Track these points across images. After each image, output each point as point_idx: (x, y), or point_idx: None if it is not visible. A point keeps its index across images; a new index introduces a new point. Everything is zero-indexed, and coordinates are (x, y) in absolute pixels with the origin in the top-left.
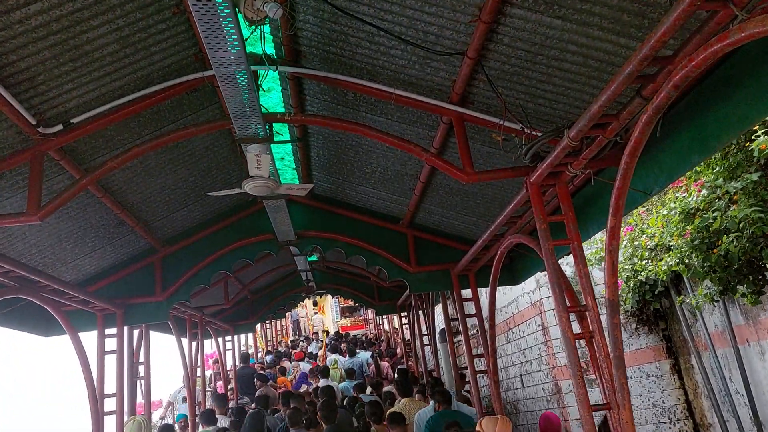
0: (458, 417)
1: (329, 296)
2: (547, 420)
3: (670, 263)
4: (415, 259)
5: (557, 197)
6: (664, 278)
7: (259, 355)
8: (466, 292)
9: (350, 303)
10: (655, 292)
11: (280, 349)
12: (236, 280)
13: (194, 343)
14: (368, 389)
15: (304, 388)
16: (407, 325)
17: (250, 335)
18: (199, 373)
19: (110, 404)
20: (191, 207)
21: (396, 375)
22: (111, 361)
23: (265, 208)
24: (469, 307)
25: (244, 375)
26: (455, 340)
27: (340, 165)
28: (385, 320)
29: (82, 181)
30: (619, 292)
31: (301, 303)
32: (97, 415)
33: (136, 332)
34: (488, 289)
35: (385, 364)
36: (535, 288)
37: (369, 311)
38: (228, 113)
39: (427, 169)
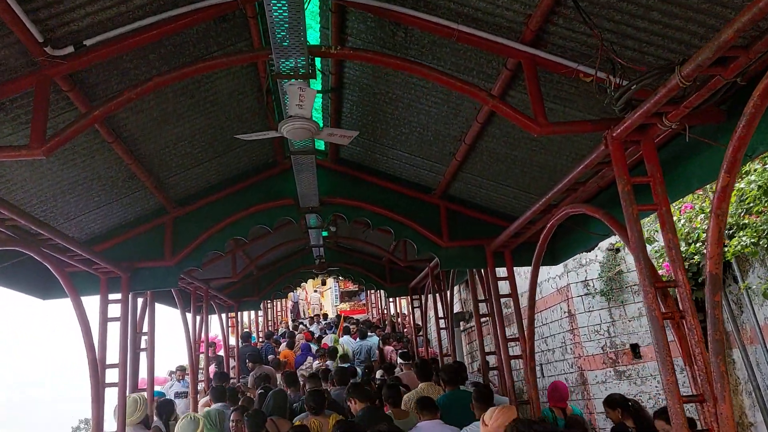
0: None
1: (329, 279)
2: (555, 388)
3: (745, 242)
4: (447, 233)
5: (639, 156)
6: (731, 259)
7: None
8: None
9: (350, 287)
10: (699, 281)
11: (281, 329)
12: (244, 254)
13: (198, 318)
14: (378, 372)
15: (309, 361)
16: (419, 308)
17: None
18: (203, 349)
19: (112, 376)
20: (207, 165)
21: (402, 359)
22: (114, 329)
23: (292, 166)
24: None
25: (245, 354)
26: (468, 325)
27: (374, 123)
28: (391, 304)
29: (95, 112)
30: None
31: (302, 285)
32: (98, 387)
33: (140, 301)
34: (521, 268)
35: (389, 349)
36: (562, 272)
37: (371, 295)
38: (263, 44)
39: (476, 128)
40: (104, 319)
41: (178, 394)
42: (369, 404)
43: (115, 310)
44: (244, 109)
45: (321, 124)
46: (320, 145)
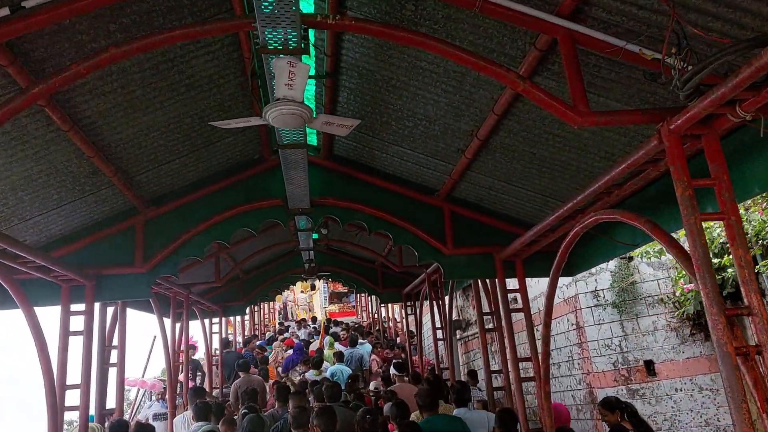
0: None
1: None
2: (556, 411)
3: None
4: (451, 239)
5: (701, 153)
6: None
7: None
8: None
9: (339, 288)
10: (724, 294)
11: (268, 333)
12: (229, 257)
13: (178, 325)
14: (373, 384)
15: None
16: (413, 315)
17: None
18: (181, 359)
19: (73, 397)
20: (184, 160)
21: (397, 371)
22: (76, 344)
23: (280, 163)
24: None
25: (229, 361)
26: (465, 334)
27: (373, 115)
28: (382, 308)
29: (35, 89)
30: (677, 293)
31: (290, 287)
32: (55, 411)
33: (110, 310)
34: (531, 280)
35: (373, 358)
36: (570, 282)
37: (361, 298)
38: (246, 11)
39: (492, 121)
40: (65, 333)
41: (156, 416)
42: None
43: (78, 322)
44: (225, 95)
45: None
46: (312, 139)
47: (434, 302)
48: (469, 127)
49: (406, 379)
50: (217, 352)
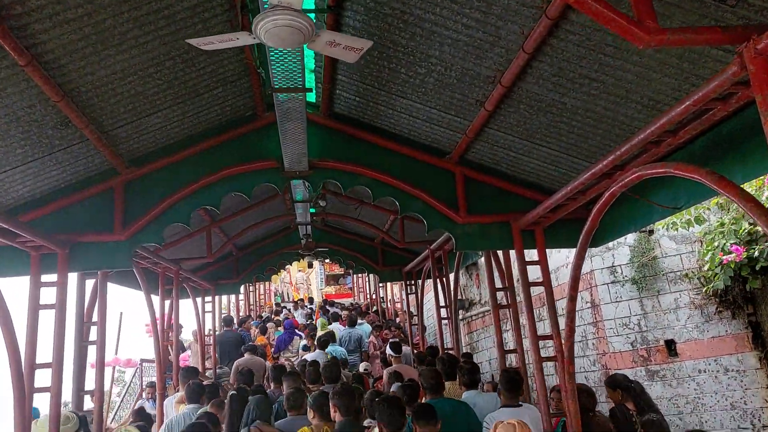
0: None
1: (315, 262)
2: None
3: None
4: (465, 207)
5: None
6: None
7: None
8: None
9: (336, 270)
10: (756, 267)
11: (263, 314)
12: (221, 231)
13: (168, 302)
14: (363, 365)
15: (296, 343)
16: (414, 295)
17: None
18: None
19: (43, 378)
20: (168, 113)
21: (393, 351)
22: (47, 318)
23: (276, 119)
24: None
25: (227, 340)
26: (468, 314)
27: (380, 61)
28: (381, 289)
29: None
30: (706, 267)
31: (286, 268)
32: (23, 393)
33: (89, 284)
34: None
35: (371, 340)
36: (585, 258)
37: (358, 279)
38: None
39: (521, 61)
40: (35, 306)
41: None
42: (352, 419)
43: (50, 295)
44: (212, 31)
45: (309, 73)
46: (311, 96)
47: (438, 280)
48: (492, 72)
49: (401, 360)
50: (211, 332)
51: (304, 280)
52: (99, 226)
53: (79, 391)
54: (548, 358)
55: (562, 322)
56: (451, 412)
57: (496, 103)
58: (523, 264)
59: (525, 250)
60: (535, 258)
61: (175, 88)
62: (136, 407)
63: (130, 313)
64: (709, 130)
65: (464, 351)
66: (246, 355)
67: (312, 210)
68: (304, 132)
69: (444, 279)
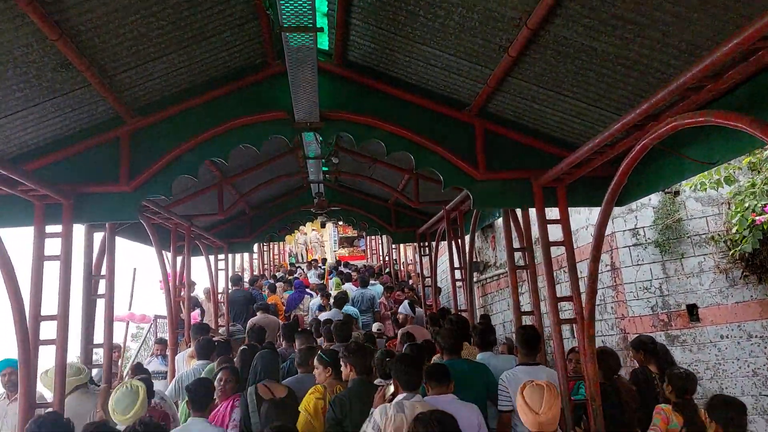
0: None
1: (328, 224)
2: None
3: None
4: (483, 163)
5: None
6: None
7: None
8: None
9: (349, 232)
10: None
11: (277, 274)
12: (233, 188)
13: (180, 259)
14: (375, 326)
15: (307, 301)
16: (428, 257)
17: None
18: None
19: (48, 330)
20: (173, 58)
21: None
22: (52, 269)
23: (286, 66)
24: (543, 235)
25: (237, 299)
26: (483, 276)
27: (397, 2)
28: (394, 251)
29: None
30: (734, 230)
31: (300, 229)
32: (27, 346)
33: (98, 237)
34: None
35: (381, 301)
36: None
37: (371, 241)
38: None
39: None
40: (39, 256)
41: (155, 374)
42: (365, 377)
43: (55, 246)
44: None
45: (322, 18)
46: (323, 44)
47: (453, 241)
48: (518, 14)
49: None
50: (224, 290)
51: (318, 239)
52: (104, 177)
53: (88, 344)
54: (567, 320)
55: (581, 285)
56: (468, 373)
57: (520, 48)
58: (544, 223)
59: (546, 209)
60: (556, 217)
61: (181, 30)
62: (134, 364)
63: (144, 269)
64: (752, 78)
65: (479, 314)
66: (259, 314)
67: (324, 168)
68: (315, 79)
69: (459, 240)
